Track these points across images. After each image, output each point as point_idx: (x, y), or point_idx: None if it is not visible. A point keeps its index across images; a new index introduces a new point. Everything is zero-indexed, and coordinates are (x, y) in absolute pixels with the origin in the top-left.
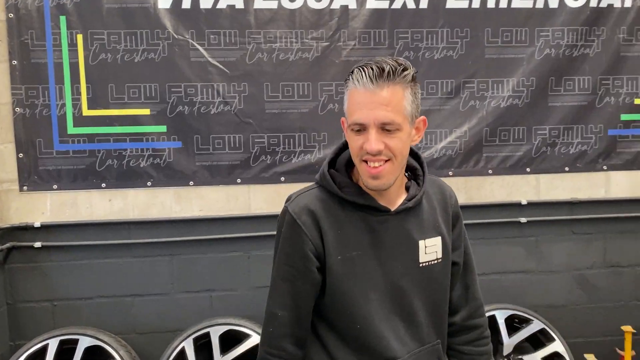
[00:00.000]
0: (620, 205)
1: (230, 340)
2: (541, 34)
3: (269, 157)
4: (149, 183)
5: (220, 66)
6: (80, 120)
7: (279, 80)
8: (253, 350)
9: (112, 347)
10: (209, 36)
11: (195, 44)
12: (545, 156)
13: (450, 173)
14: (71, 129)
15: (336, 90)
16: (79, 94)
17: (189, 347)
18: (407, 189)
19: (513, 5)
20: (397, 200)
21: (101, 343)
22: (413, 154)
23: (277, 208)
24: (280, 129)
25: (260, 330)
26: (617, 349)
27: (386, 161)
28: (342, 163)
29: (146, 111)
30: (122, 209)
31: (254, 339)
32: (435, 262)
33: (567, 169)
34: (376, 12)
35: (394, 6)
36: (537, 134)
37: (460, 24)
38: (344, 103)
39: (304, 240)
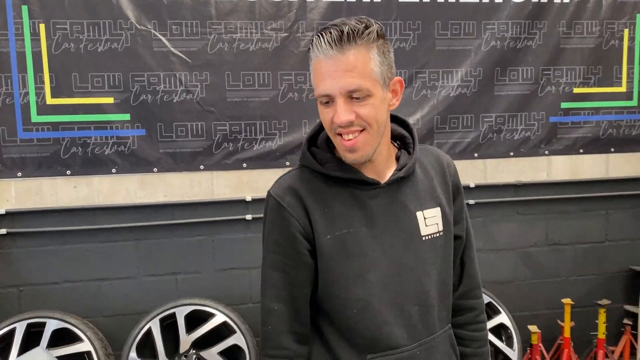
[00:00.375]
0: (561, 187)
1: (196, 320)
2: (487, 27)
3: (231, 144)
4: (113, 170)
5: (183, 56)
6: (43, 109)
7: (239, 69)
8: (217, 328)
9: (80, 329)
10: (171, 27)
11: (158, 34)
12: (492, 142)
13: None
14: (35, 118)
15: (295, 80)
16: (42, 82)
17: (155, 327)
18: (398, 159)
19: None
20: (386, 172)
21: (68, 325)
22: (401, 121)
23: (239, 193)
24: (241, 117)
25: (226, 311)
26: (558, 321)
27: (361, 131)
28: (323, 139)
29: (110, 100)
30: (87, 195)
31: (219, 318)
32: (437, 234)
33: (512, 153)
34: (333, 4)
35: None
36: (484, 122)
37: (412, 17)
38: (311, 74)
39: (291, 222)
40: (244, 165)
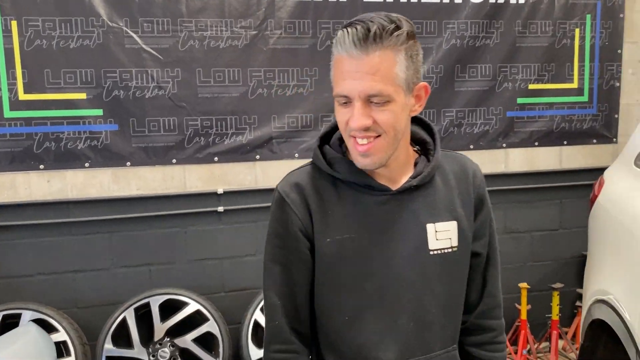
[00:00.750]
0: (518, 178)
1: (170, 309)
2: (448, 26)
3: (202, 138)
4: (86, 164)
5: (154, 53)
6: (16, 105)
7: (210, 66)
8: (191, 317)
9: (55, 320)
10: (142, 24)
11: (129, 32)
12: (453, 136)
13: None
14: (8, 113)
15: (265, 76)
16: (15, 78)
17: (130, 316)
18: (416, 164)
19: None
20: (401, 178)
21: (44, 316)
22: (425, 125)
23: (211, 186)
24: (212, 112)
25: (199, 299)
26: (515, 304)
27: (376, 137)
28: (335, 138)
29: (82, 95)
30: (61, 189)
31: (192, 307)
32: (450, 250)
33: (471, 146)
34: (300, 3)
35: None
36: (445, 116)
37: None
38: (331, 70)
39: (292, 218)
40: (216, 159)
